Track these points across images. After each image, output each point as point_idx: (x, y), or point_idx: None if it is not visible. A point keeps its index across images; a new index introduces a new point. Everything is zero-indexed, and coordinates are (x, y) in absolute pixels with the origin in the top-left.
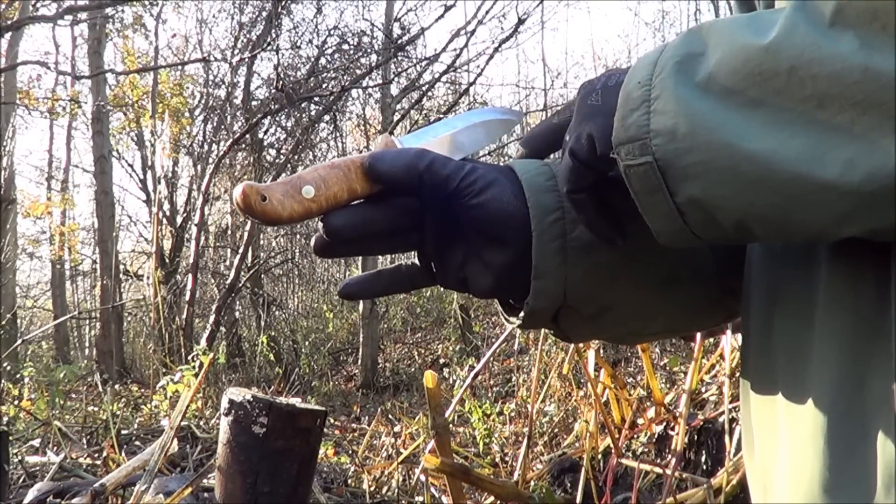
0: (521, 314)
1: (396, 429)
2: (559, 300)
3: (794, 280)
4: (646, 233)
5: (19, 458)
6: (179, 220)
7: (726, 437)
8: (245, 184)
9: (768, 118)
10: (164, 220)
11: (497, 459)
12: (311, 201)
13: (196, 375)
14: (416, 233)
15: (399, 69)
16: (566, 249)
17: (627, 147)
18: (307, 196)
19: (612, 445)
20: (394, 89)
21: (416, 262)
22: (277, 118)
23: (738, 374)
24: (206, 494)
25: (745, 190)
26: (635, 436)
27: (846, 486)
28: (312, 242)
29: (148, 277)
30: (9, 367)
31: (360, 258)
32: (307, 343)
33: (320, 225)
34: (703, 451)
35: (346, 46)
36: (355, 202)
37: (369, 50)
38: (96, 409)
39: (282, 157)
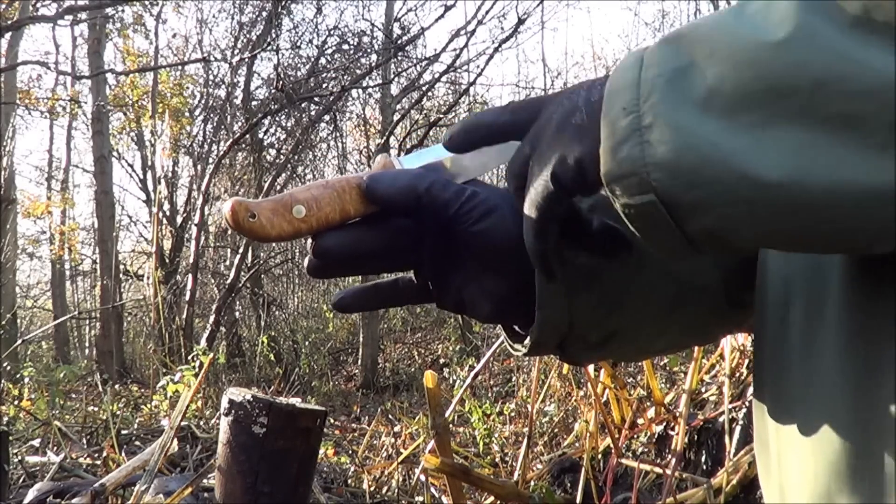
0: (526, 342)
1: (396, 429)
2: (564, 329)
3: (809, 276)
4: (649, 259)
5: (19, 458)
6: (179, 220)
7: (726, 437)
8: (234, 200)
9: (786, 139)
10: (164, 220)
11: (497, 459)
12: (301, 221)
13: (196, 375)
14: (413, 254)
15: (399, 69)
16: (569, 279)
17: (623, 183)
18: (297, 216)
19: (612, 445)
20: (394, 89)
21: (413, 278)
22: (277, 118)
23: (737, 374)
24: (206, 494)
25: (764, 219)
26: (635, 436)
27: (860, 485)
28: (305, 263)
29: (148, 277)
30: (9, 367)
31: None
32: (307, 343)
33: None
34: (703, 451)
35: (346, 46)
36: (349, 223)
37: (369, 50)
38: (96, 409)
39: (282, 157)
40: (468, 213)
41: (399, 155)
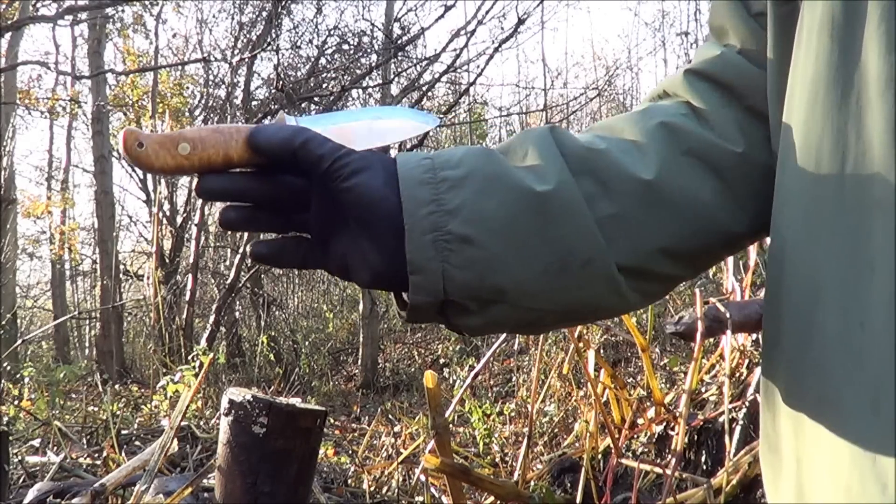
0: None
1: (396, 429)
2: (440, 294)
3: (841, 279)
4: (527, 225)
5: (19, 458)
6: (179, 220)
7: (726, 437)
8: (127, 129)
9: None
10: (164, 220)
11: (497, 459)
12: (184, 158)
13: (196, 375)
14: (302, 214)
15: (399, 69)
16: (440, 243)
17: None
18: (182, 153)
19: (612, 445)
20: (394, 89)
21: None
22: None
23: (737, 374)
24: (206, 494)
25: None
26: (635, 436)
27: None
28: (217, 215)
29: (148, 277)
30: (9, 367)
31: None
32: (307, 343)
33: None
34: (703, 451)
35: (346, 46)
36: (236, 171)
37: (369, 50)
38: (96, 409)
39: None
40: (339, 170)
41: (300, 116)
